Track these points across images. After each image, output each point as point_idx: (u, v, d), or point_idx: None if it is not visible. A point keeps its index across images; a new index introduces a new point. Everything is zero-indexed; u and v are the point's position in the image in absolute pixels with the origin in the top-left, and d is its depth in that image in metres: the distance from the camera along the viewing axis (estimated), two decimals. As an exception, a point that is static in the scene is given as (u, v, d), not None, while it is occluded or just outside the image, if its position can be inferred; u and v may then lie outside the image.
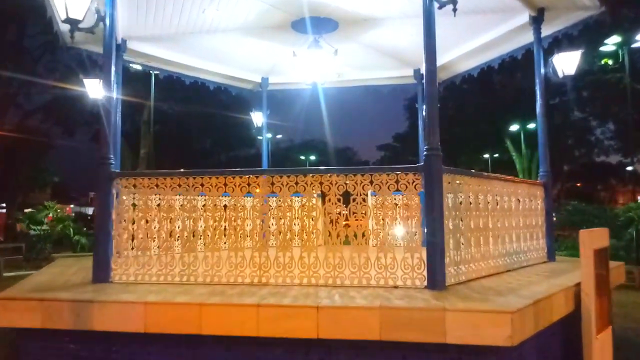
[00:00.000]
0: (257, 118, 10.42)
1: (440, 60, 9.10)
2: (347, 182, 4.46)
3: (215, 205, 4.77)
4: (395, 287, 4.27)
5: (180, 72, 9.24)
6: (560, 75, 6.72)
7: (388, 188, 4.42)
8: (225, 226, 4.81)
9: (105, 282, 4.73)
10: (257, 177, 4.67)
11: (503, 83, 31.91)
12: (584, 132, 36.94)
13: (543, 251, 6.44)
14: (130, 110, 22.84)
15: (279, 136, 37.45)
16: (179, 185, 4.79)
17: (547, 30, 7.09)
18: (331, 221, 4.48)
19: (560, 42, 7.62)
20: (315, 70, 7.22)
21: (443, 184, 4.35)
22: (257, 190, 4.65)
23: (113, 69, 5.17)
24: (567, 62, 6.62)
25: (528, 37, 7.46)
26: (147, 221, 4.85)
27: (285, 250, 4.51)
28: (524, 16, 6.87)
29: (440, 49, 8.97)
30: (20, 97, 25.95)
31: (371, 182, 4.44)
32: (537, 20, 6.78)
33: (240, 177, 4.66)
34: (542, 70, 6.86)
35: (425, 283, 4.25)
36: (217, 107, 23.93)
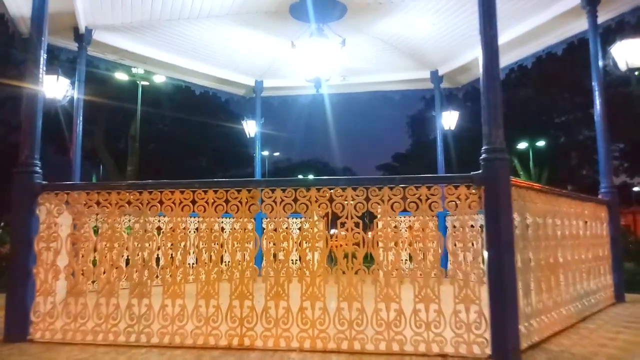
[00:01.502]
0: (251, 127, 9.06)
1: (462, 59, 7.85)
2: (370, 197, 3.07)
3: (178, 230, 3.35)
4: (444, 356, 2.84)
5: (159, 70, 7.93)
6: (623, 68, 5.42)
7: (430, 207, 3.02)
8: (192, 262, 3.37)
9: (22, 341, 3.30)
10: (238, 191, 3.26)
11: (511, 94, 30.48)
12: (591, 151, 35.73)
13: (610, 290, 5.01)
14: (119, 125, 21.57)
15: (276, 154, 35.94)
16: (129, 203, 3.38)
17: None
18: (345, 256, 3.07)
19: (612, 31, 6.34)
20: (318, 64, 5.88)
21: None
22: (241, 208, 3.25)
23: (44, 47, 3.84)
24: (633, 51, 5.33)
25: (575, 27, 6.21)
26: (83, 255, 3.42)
27: (279, 298, 3.09)
28: (574, -1, 5.61)
29: (463, 44, 7.79)
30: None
31: (404, 199, 3.05)
32: (592, 2, 5.50)
33: (215, 192, 3.27)
34: (600, 63, 5.55)
35: (489, 350, 2.82)
36: (211, 116, 22.40)
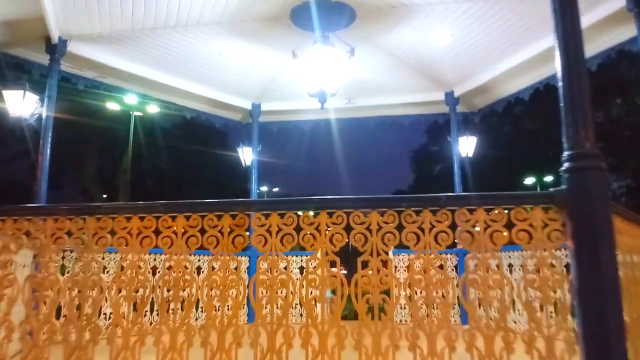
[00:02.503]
0: (247, 155, 8.22)
1: (481, 78, 7.08)
2: (404, 224, 2.16)
3: (134, 272, 2.41)
4: None
5: (144, 90, 7.12)
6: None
7: (491, 239, 2.11)
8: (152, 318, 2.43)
9: None
10: (219, 217, 2.35)
11: (515, 126, 29.48)
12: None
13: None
14: (115, 159, 20.77)
15: (275, 189, 35.00)
16: (69, 234, 2.46)
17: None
18: (370, 310, 2.14)
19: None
20: (323, 76, 5.09)
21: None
22: (222, 241, 2.33)
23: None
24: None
25: (615, 36, 5.47)
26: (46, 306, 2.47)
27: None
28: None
29: (484, 60, 7.05)
30: None
31: (452, 227, 2.14)
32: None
33: (187, 219, 2.36)
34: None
35: None
36: (207, 144, 21.44)
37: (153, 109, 15.16)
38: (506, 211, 2.14)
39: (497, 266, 2.13)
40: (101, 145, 19.13)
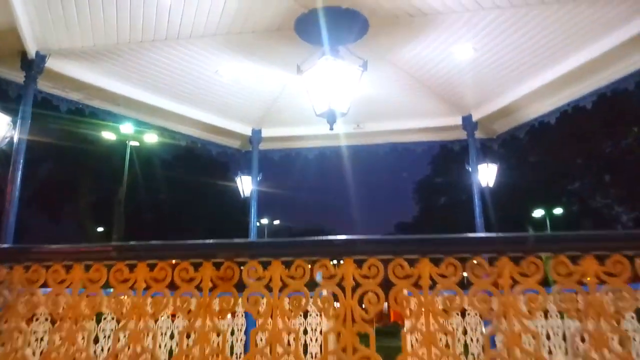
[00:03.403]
0: (246, 185, 7.53)
1: (504, 100, 6.44)
2: (474, 275, 1.44)
3: (73, 340, 1.67)
4: None
5: (133, 114, 6.47)
6: None
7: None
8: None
9: None
10: (197, 265, 1.63)
11: (522, 158, 28.69)
12: (608, 220, 34.13)
13: None
14: (113, 192, 20.06)
15: (276, 222, 34.02)
16: (-14, 289, 1.74)
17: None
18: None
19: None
20: (332, 93, 4.44)
21: None
22: (200, 300, 1.60)
23: None
24: None
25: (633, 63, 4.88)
26: None
27: None
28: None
29: (508, 79, 6.43)
30: None
31: (546, 282, 1.41)
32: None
33: (152, 269, 1.64)
34: None
35: None
36: (208, 174, 20.70)
37: (150, 137, 14.59)
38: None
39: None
40: (96, 175, 18.50)
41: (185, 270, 1.60)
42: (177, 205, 22.83)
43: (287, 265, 1.56)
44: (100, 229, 20.98)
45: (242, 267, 1.57)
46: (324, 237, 1.53)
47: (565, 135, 21.73)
